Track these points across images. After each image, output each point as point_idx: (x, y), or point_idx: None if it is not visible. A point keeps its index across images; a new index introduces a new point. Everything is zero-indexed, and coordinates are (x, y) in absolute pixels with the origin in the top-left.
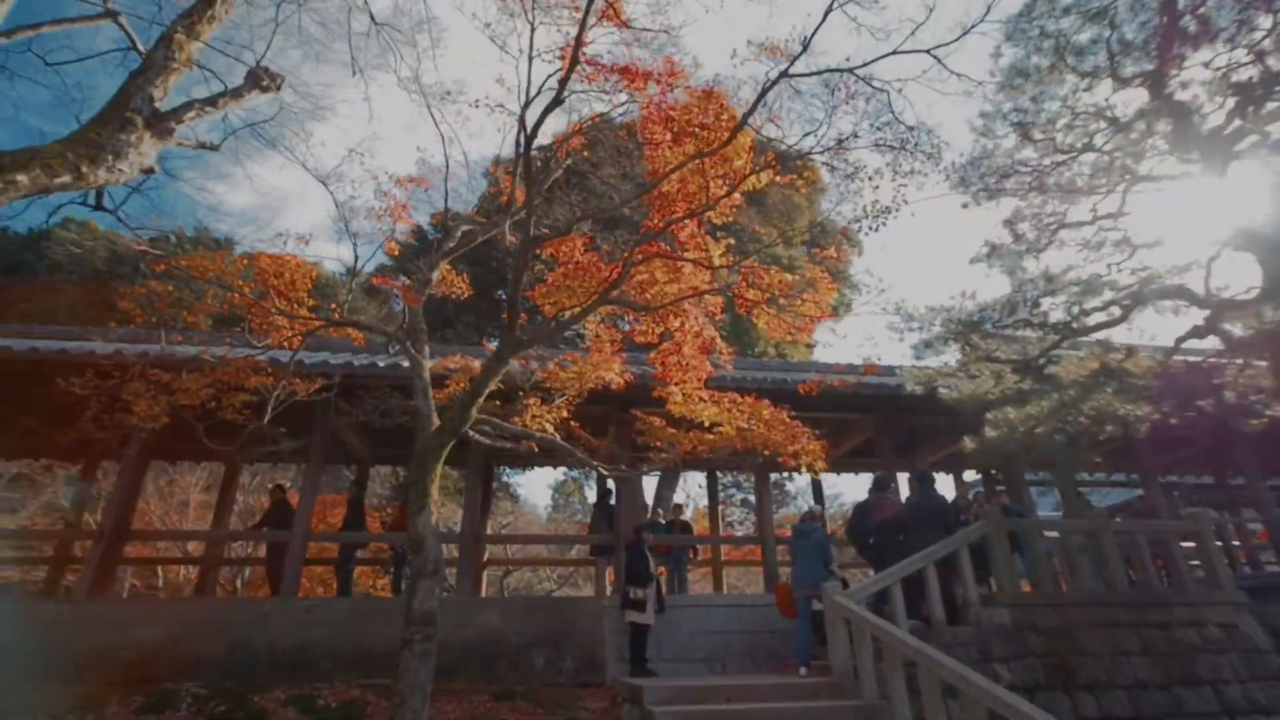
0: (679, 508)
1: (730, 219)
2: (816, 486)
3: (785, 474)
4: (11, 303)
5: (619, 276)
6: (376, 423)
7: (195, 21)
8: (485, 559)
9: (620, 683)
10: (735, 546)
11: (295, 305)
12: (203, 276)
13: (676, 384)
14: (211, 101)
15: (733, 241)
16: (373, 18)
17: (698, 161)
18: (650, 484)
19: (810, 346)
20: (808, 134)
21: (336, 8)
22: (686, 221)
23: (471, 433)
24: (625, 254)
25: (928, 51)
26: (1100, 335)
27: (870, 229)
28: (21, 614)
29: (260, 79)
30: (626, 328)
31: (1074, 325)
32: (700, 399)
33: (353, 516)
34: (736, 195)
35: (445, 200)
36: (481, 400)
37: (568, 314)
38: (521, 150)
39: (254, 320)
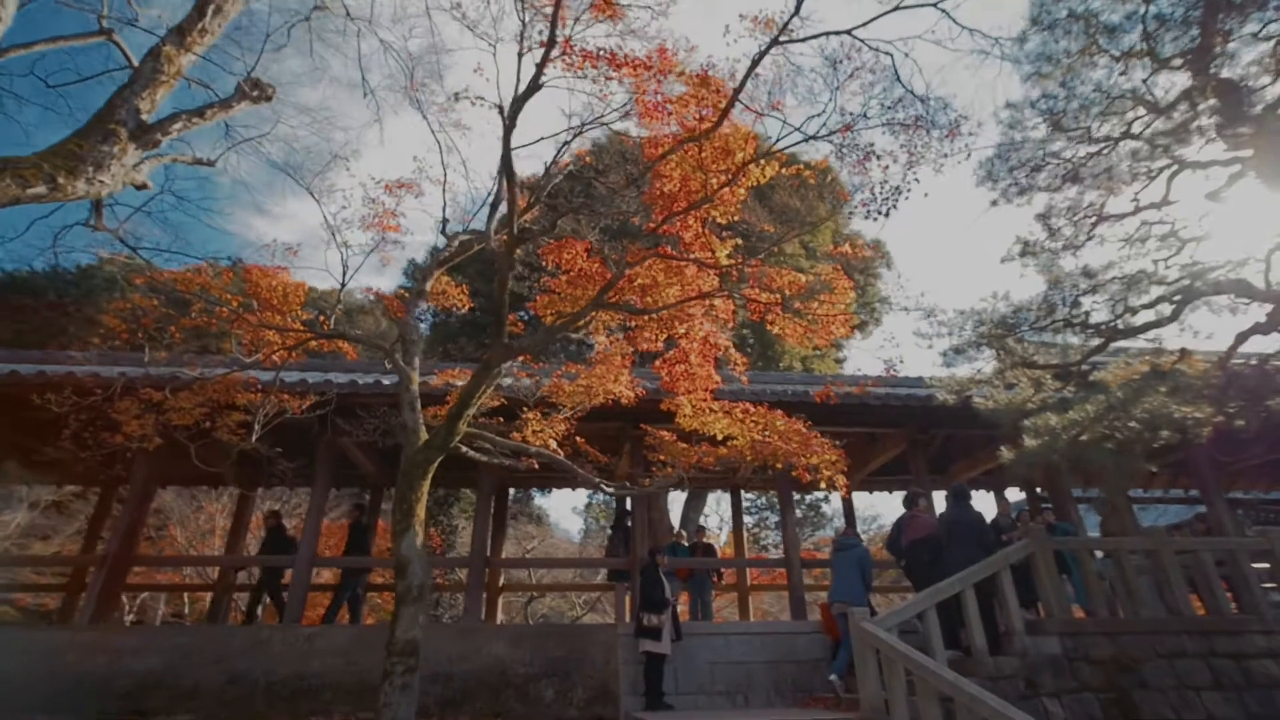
0: (702, 529)
1: (736, 217)
2: (847, 506)
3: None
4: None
5: (613, 278)
6: (381, 442)
7: (186, 35)
8: (501, 584)
9: (633, 717)
10: (763, 571)
11: (289, 320)
12: (188, 290)
13: (684, 394)
14: (199, 112)
15: (740, 242)
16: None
17: (698, 157)
18: (676, 506)
19: (840, 361)
20: (811, 117)
21: (340, 27)
22: (691, 222)
23: (464, 448)
24: (622, 254)
25: (934, 4)
26: (1148, 336)
27: (881, 212)
28: (21, 642)
29: (249, 90)
30: (625, 334)
31: (1119, 326)
32: (710, 410)
33: (356, 541)
34: (740, 190)
35: (443, 209)
36: (470, 412)
37: (579, 332)
38: (503, 143)
39: (245, 335)
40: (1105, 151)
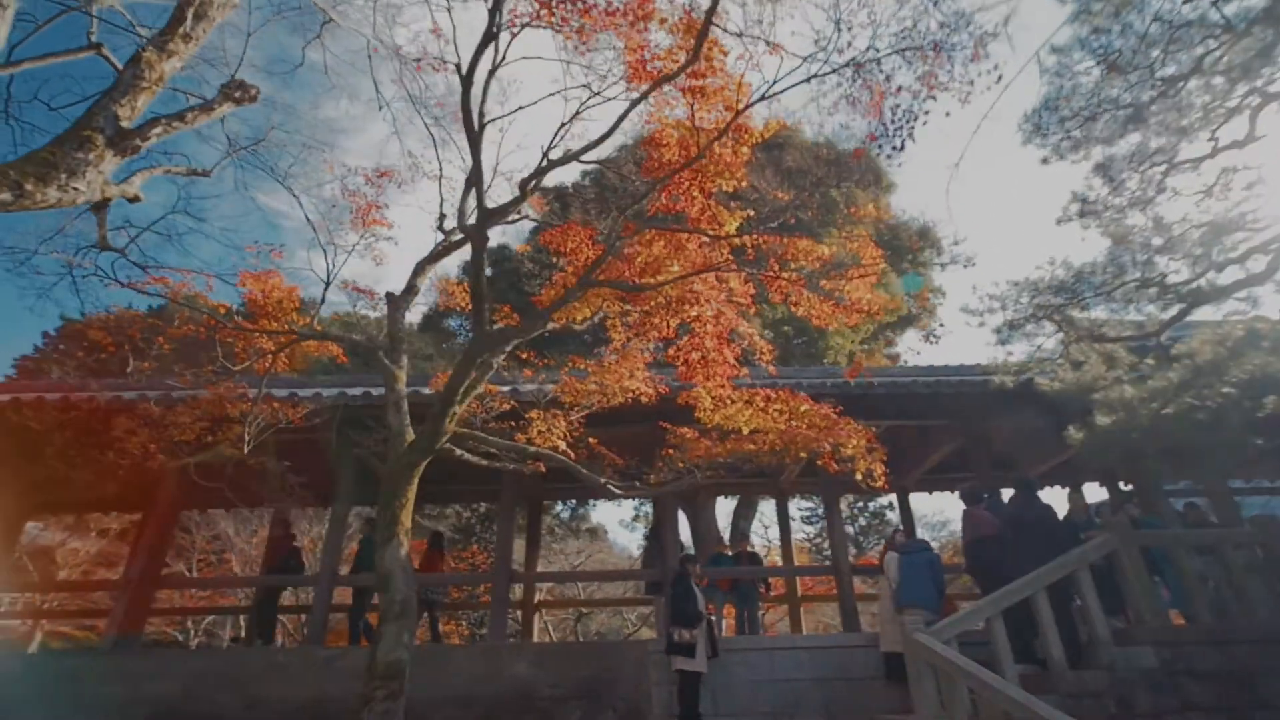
0: (745, 537)
1: (742, 183)
2: (905, 509)
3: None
4: None
5: (604, 253)
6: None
7: (167, 41)
8: (538, 600)
9: None
10: (820, 580)
11: (284, 325)
12: (175, 299)
13: (701, 383)
14: (179, 116)
15: (751, 214)
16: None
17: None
18: (725, 514)
19: (893, 358)
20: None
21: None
22: (696, 195)
23: (459, 451)
24: (614, 225)
25: None
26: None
27: (896, 146)
28: (46, 668)
29: (233, 92)
30: (635, 321)
31: (1202, 286)
32: (730, 401)
33: (366, 559)
34: (743, 150)
35: (440, 205)
36: (457, 410)
37: (581, 324)
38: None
39: (237, 344)
40: (1172, 91)
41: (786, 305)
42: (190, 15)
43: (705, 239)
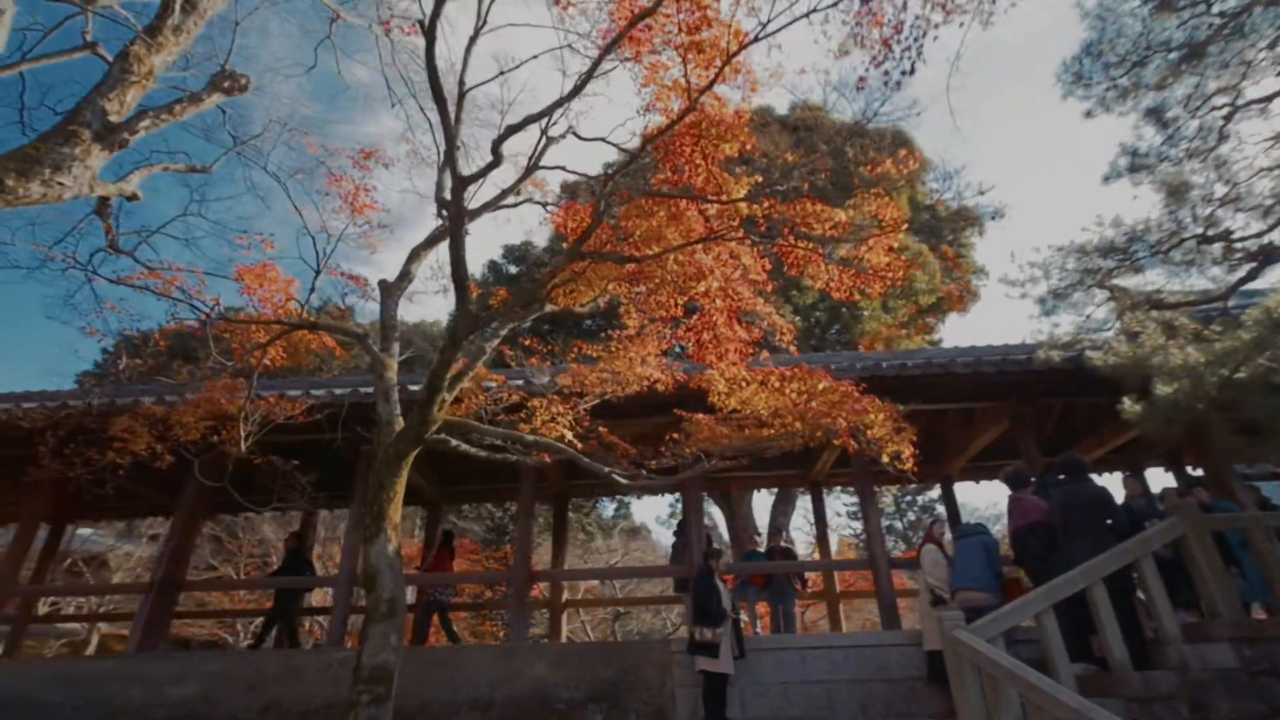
0: (779, 532)
1: (748, 146)
2: (948, 498)
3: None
4: None
5: (593, 223)
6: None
7: (156, 34)
8: (566, 599)
9: None
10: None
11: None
12: (167, 294)
13: (712, 364)
14: (168, 109)
15: (759, 179)
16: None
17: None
18: (763, 508)
19: (935, 344)
20: None
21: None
22: (700, 161)
23: (455, 442)
24: (601, 190)
25: None
26: None
27: (904, 70)
28: (69, 672)
29: (222, 82)
30: (638, 299)
31: (1275, 242)
32: (744, 381)
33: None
34: (745, 113)
35: (437, 191)
36: (446, 396)
37: (584, 306)
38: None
39: (233, 338)
40: (1234, 25)
41: (814, 289)
42: (178, 7)
43: (710, 210)
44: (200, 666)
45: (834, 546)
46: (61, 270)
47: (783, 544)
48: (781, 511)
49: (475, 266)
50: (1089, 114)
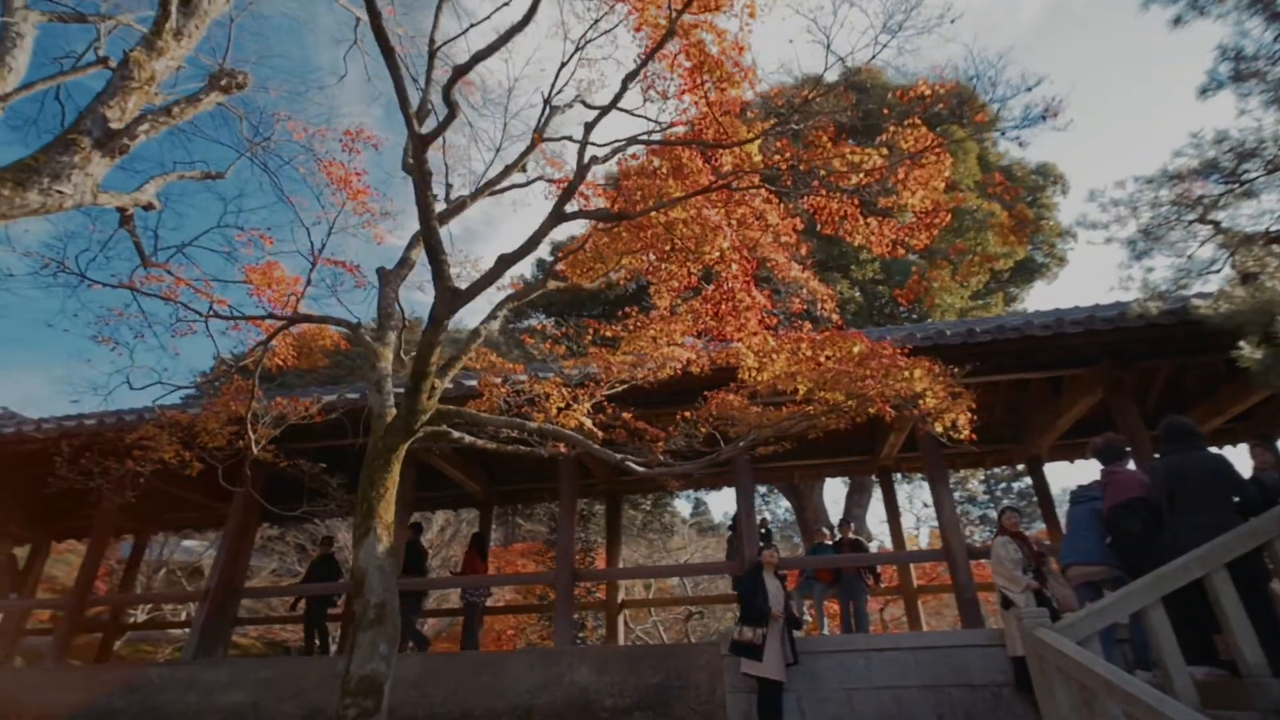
0: (846, 524)
1: (758, 85)
2: (1037, 480)
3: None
4: None
5: (574, 180)
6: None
7: (156, 39)
8: (621, 600)
9: None
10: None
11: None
12: (171, 298)
13: (732, 336)
14: (166, 111)
15: (774, 122)
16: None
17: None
18: (836, 502)
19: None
20: None
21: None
22: (705, 108)
23: (455, 434)
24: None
25: None
26: None
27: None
28: (127, 679)
29: (219, 80)
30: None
31: None
32: (773, 353)
33: (411, 563)
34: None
35: (445, 175)
36: (436, 384)
37: (593, 282)
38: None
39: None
40: None
41: (876, 262)
42: (174, 10)
43: (725, 165)
44: (251, 673)
45: (924, 538)
46: (53, 275)
47: (851, 535)
48: (856, 502)
49: (525, 267)
50: (1177, 20)
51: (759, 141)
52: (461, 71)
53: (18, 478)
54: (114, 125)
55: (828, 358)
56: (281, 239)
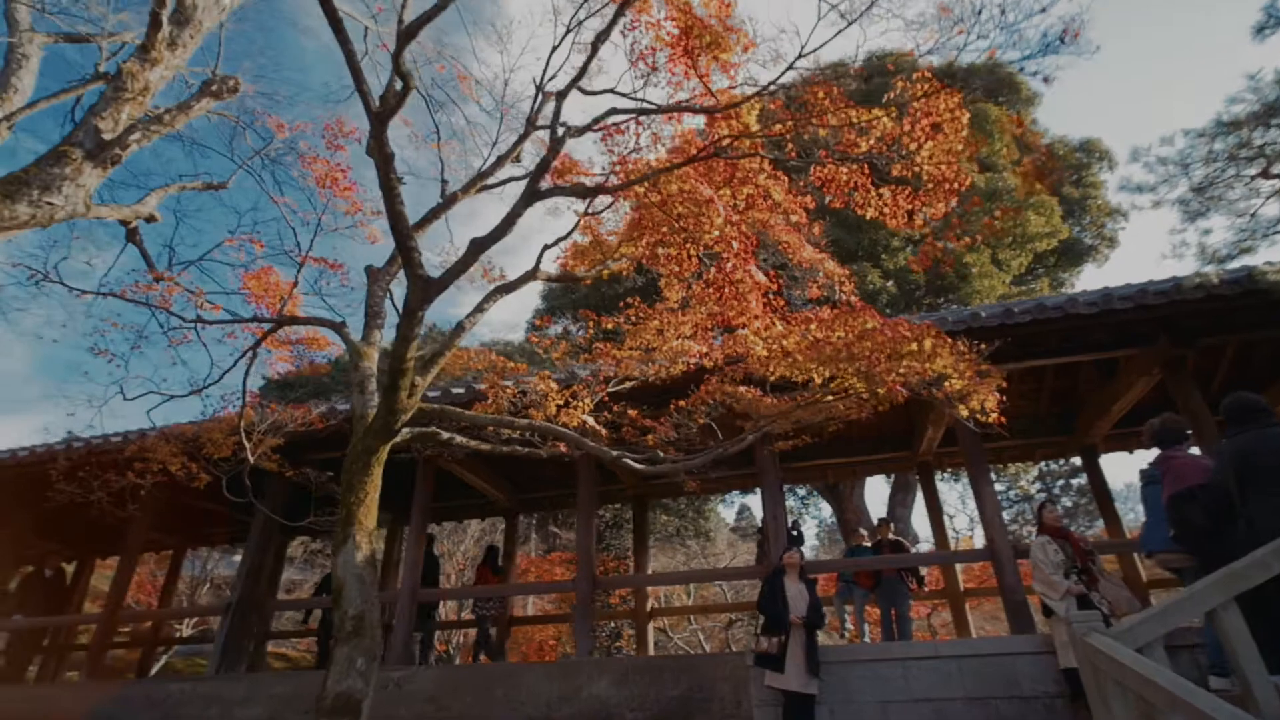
0: (885, 524)
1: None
2: (1092, 471)
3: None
4: None
5: (549, 154)
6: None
7: (149, 50)
8: (651, 608)
9: None
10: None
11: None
12: (166, 306)
13: (738, 320)
14: (157, 119)
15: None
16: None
17: None
18: (878, 502)
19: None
20: None
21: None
22: (695, 78)
23: (445, 434)
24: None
25: None
26: None
27: None
28: (151, 696)
29: (210, 87)
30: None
31: None
32: (781, 337)
33: (425, 573)
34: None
35: (441, 170)
36: (417, 380)
37: (601, 270)
38: None
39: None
40: None
41: (910, 250)
42: (165, 20)
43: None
44: (269, 688)
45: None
46: (36, 283)
47: (891, 536)
48: (900, 501)
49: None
50: None
51: (757, 113)
52: (409, 34)
53: (54, 496)
54: (107, 136)
55: (839, 339)
56: (289, 244)
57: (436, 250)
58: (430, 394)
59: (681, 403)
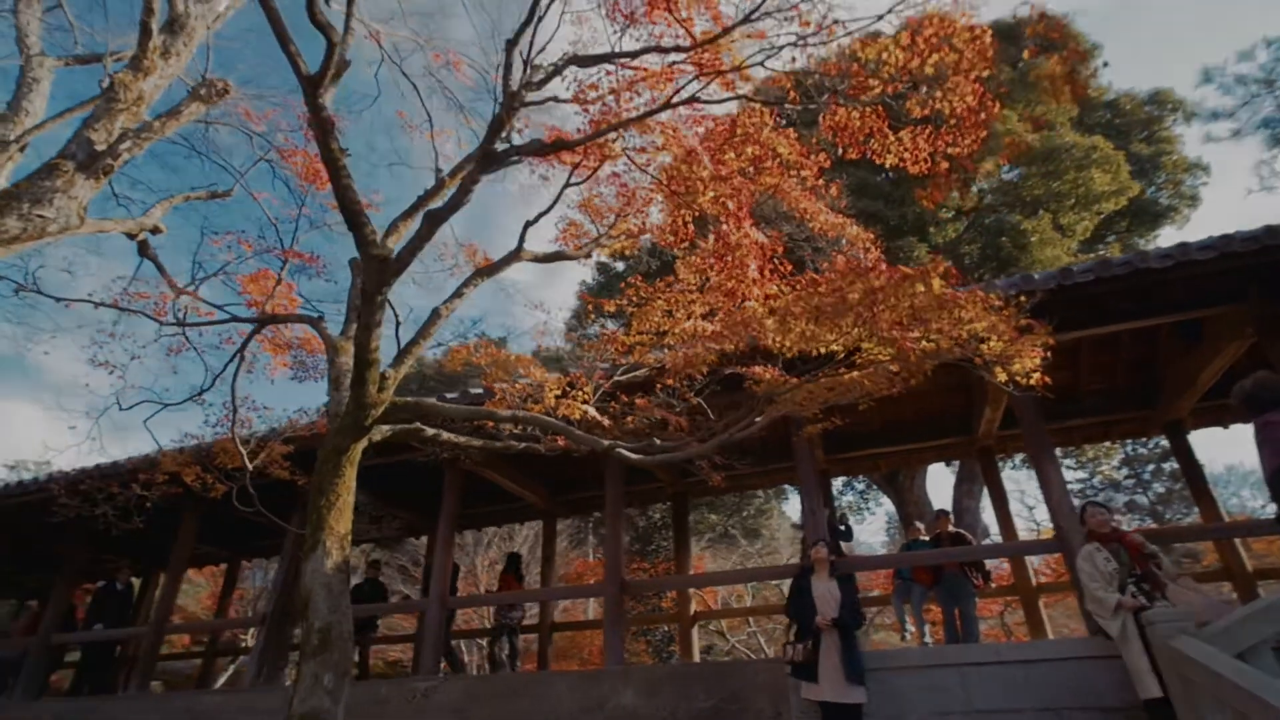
0: (945, 515)
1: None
2: (1179, 451)
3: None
4: None
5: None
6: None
7: (141, 60)
8: (694, 611)
9: None
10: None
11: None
12: (159, 317)
13: (735, 286)
14: (148, 126)
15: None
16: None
17: None
18: (942, 492)
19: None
20: None
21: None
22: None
23: (430, 431)
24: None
25: None
26: None
27: None
28: (188, 707)
29: (199, 90)
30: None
31: None
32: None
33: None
34: None
35: (435, 161)
36: (390, 372)
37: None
38: None
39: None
40: None
41: (961, 220)
42: (155, 29)
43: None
44: None
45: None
46: (13, 291)
47: (951, 528)
48: (966, 492)
49: (586, 272)
50: None
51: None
52: None
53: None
54: (99, 147)
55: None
56: (274, 244)
57: (437, 250)
58: (449, 396)
59: (692, 395)
